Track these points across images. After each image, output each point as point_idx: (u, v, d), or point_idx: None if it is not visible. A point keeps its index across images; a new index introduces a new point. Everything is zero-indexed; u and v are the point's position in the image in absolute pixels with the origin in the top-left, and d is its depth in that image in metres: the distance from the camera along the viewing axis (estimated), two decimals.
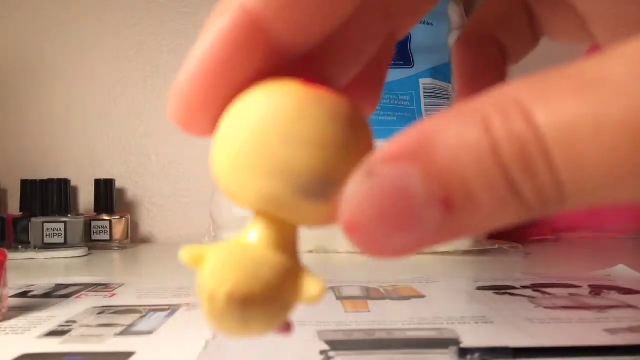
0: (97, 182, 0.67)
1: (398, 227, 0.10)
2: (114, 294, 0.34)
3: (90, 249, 0.61)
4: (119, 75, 0.74)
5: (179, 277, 0.39)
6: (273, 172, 0.11)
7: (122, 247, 0.65)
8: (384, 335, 0.24)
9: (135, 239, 0.72)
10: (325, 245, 0.56)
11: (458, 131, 0.10)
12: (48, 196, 0.62)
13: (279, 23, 0.12)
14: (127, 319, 0.27)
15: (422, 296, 0.32)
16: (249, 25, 0.12)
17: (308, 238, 0.55)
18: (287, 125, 0.11)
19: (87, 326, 0.26)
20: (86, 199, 0.72)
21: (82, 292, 0.34)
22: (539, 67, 0.10)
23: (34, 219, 0.61)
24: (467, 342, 0.22)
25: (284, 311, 0.12)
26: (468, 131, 0.10)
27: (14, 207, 0.69)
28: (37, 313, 0.29)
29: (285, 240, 0.13)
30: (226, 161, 0.12)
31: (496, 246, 0.55)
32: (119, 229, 0.66)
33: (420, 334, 0.24)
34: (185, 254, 0.12)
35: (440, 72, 0.62)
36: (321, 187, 0.11)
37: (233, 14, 0.12)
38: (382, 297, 0.32)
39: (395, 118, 0.58)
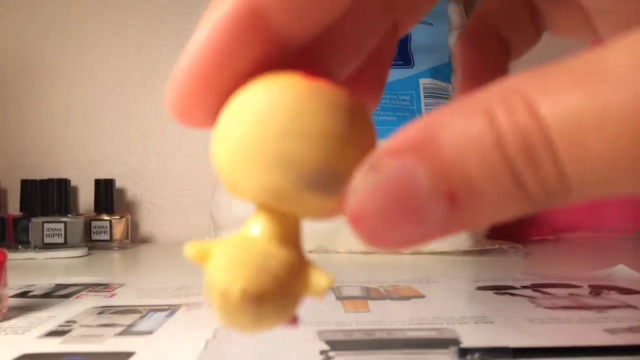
0: (97, 182, 0.67)
1: (402, 220, 0.10)
2: (114, 294, 0.34)
3: (90, 249, 0.61)
4: (119, 75, 0.75)
5: (179, 277, 0.39)
6: (274, 165, 0.11)
7: (122, 247, 0.65)
8: (384, 335, 0.24)
9: (135, 239, 0.72)
10: (325, 245, 0.56)
11: (462, 124, 0.10)
12: (48, 196, 0.62)
13: (278, 12, 0.12)
14: (127, 319, 0.27)
15: (422, 296, 0.32)
16: (248, 14, 0.12)
17: (308, 238, 0.54)
18: (288, 118, 0.11)
19: (87, 326, 0.26)
20: (86, 199, 0.72)
21: (82, 292, 0.34)
22: (541, 63, 0.10)
23: (34, 219, 0.61)
24: (467, 342, 0.22)
25: (293, 305, 0.12)
26: (472, 124, 0.10)
27: (14, 207, 0.69)
28: (37, 313, 0.29)
29: (289, 234, 0.13)
30: (227, 155, 0.12)
31: (496, 246, 0.55)
32: (119, 229, 0.66)
33: (420, 334, 0.24)
34: (189, 249, 0.12)
35: (440, 72, 0.62)
36: (322, 179, 0.11)
37: (232, 3, 0.12)
38: (382, 297, 0.32)
39: (395, 118, 0.58)
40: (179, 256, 0.13)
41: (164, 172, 0.74)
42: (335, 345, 0.22)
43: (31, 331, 0.25)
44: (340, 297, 0.31)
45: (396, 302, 0.30)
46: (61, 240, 0.60)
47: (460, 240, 0.54)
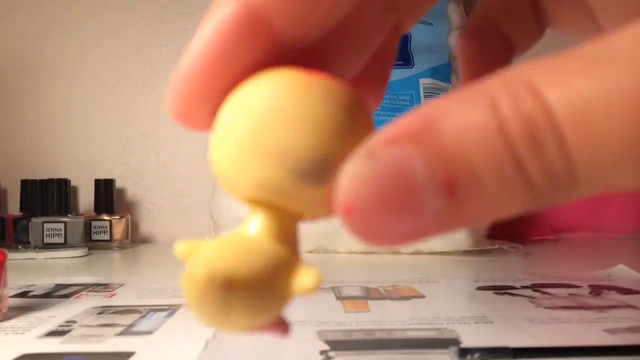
0: (97, 182, 0.67)
1: (398, 213, 0.10)
2: (114, 294, 0.34)
3: (90, 249, 0.61)
4: (119, 75, 0.74)
5: (179, 277, 0.39)
6: (267, 157, 0.11)
7: (122, 247, 0.65)
8: (384, 335, 0.24)
9: (135, 239, 0.72)
10: (325, 245, 0.56)
11: (463, 112, 0.10)
12: (48, 196, 0.62)
13: (280, 14, 0.12)
14: (127, 319, 0.27)
15: (422, 296, 0.32)
16: (250, 15, 0.12)
17: (308, 238, 0.55)
18: (281, 109, 0.11)
19: (87, 326, 0.26)
20: (86, 199, 0.72)
21: (82, 292, 0.34)
22: None
23: (34, 219, 0.61)
24: (467, 342, 0.22)
25: (273, 303, 0.11)
26: (474, 112, 0.09)
27: (14, 207, 0.69)
28: (37, 313, 0.29)
29: (283, 231, 0.12)
30: (222, 152, 0.12)
31: (496, 246, 0.55)
32: (119, 229, 0.66)
33: (420, 334, 0.24)
34: (179, 247, 0.12)
35: (440, 72, 0.62)
36: (316, 168, 0.11)
37: (233, 4, 0.12)
38: (382, 297, 0.32)
39: (395, 118, 0.58)
40: (174, 250, 0.12)
41: (164, 172, 0.74)
42: (335, 345, 0.22)
43: (31, 331, 0.25)
44: (340, 297, 0.31)
45: (396, 302, 0.30)
46: (61, 240, 0.60)
47: (460, 240, 0.54)
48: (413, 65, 0.61)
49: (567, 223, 0.67)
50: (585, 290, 0.33)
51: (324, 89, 0.11)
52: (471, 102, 0.10)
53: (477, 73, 0.19)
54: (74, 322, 0.27)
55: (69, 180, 0.64)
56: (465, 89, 0.10)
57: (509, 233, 0.61)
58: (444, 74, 0.62)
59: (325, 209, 0.12)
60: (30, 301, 0.32)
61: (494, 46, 0.20)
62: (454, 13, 0.63)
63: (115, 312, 0.29)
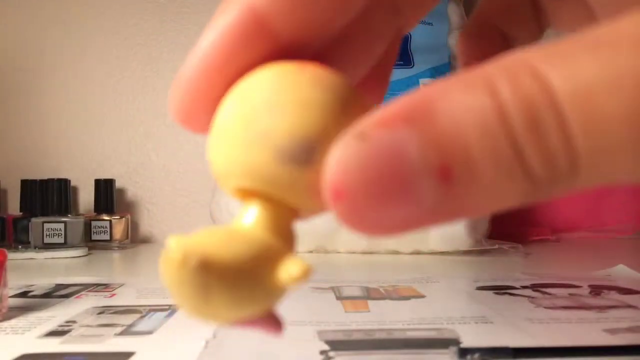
0: (97, 182, 0.67)
1: (389, 198, 0.09)
2: (114, 294, 0.34)
3: (90, 249, 0.61)
4: (119, 76, 0.75)
5: None
6: (252, 141, 0.11)
7: (122, 247, 0.65)
8: (384, 335, 0.24)
9: (135, 239, 0.72)
10: (325, 245, 0.56)
11: (461, 95, 0.09)
12: (48, 196, 0.62)
13: (284, 20, 0.12)
14: (127, 319, 0.27)
15: (422, 296, 0.32)
16: (254, 21, 0.12)
17: (308, 238, 0.55)
18: (268, 95, 0.11)
19: (87, 326, 0.26)
20: (86, 199, 0.72)
21: (82, 292, 0.34)
22: None
23: (34, 219, 0.61)
24: (467, 342, 0.22)
25: (256, 292, 0.11)
26: (472, 94, 0.09)
27: (14, 207, 0.69)
28: (37, 313, 0.29)
29: (275, 224, 0.12)
30: (214, 144, 0.12)
31: (496, 246, 0.55)
32: (119, 229, 0.66)
33: (420, 334, 0.24)
34: (171, 241, 0.12)
35: (440, 72, 0.62)
36: (298, 148, 0.11)
37: (237, 10, 0.12)
38: (382, 297, 0.32)
39: None
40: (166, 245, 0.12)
41: (164, 172, 0.74)
42: (335, 345, 0.22)
43: (31, 331, 0.25)
44: (340, 297, 0.31)
45: (396, 302, 0.30)
46: (61, 240, 0.60)
47: (460, 240, 0.54)
48: (413, 65, 0.61)
49: (567, 223, 0.68)
50: (585, 290, 0.33)
51: (312, 75, 0.11)
52: (470, 85, 0.09)
53: None
54: (74, 322, 0.27)
55: (69, 180, 0.64)
56: (464, 72, 0.10)
57: (509, 233, 0.61)
58: (444, 73, 0.62)
59: (317, 200, 0.11)
60: (30, 301, 0.32)
61: (494, 46, 0.19)
62: (454, 13, 0.63)
63: (115, 312, 0.29)
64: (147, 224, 0.74)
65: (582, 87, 0.09)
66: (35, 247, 0.59)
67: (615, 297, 0.31)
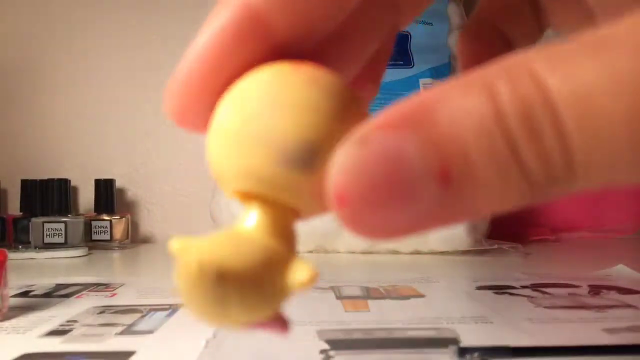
0: (97, 182, 0.67)
1: (391, 201, 0.09)
2: (114, 294, 0.34)
3: (90, 248, 0.61)
4: (120, 76, 0.75)
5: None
6: (253, 144, 0.11)
7: (122, 247, 0.65)
8: (383, 335, 0.24)
9: (135, 238, 0.72)
10: (325, 245, 0.56)
11: (460, 98, 0.09)
12: (48, 196, 0.62)
13: (280, 18, 0.12)
14: (127, 319, 0.27)
15: (422, 296, 0.32)
16: (249, 19, 0.12)
17: (308, 238, 0.55)
18: (265, 96, 0.11)
19: (88, 326, 0.26)
20: (86, 199, 0.72)
21: (83, 292, 0.35)
22: None
23: (34, 219, 0.61)
24: (467, 341, 0.22)
25: (269, 297, 0.11)
26: (471, 97, 0.09)
27: (14, 207, 0.69)
28: (38, 313, 0.29)
29: (278, 227, 0.12)
30: (213, 146, 0.12)
31: (496, 246, 0.55)
32: (119, 228, 0.66)
33: (420, 333, 0.24)
34: (174, 244, 0.12)
35: (440, 72, 0.62)
36: (299, 152, 0.11)
37: (233, 9, 0.12)
38: (382, 297, 0.32)
39: None
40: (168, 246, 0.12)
41: (164, 172, 0.74)
42: (335, 344, 0.22)
43: (32, 331, 0.25)
44: (340, 297, 0.31)
45: (396, 302, 0.30)
46: (61, 240, 0.60)
47: (460, 240, 0.54)
48: (413, 65, 0.61)
49: (566, 223, 0.68)
50: (585, 290, 0.33)
51: (309, 75, 0.11)
52: (468, 88, 0.09)
53: None
54: (75, 321, 0.27)
55: (69, 181, 0.65)
56: (463, 76, 0.10)
57: (509, 233, 0.61)
58: (443, 74, 0.62)
59: (317, 202, 0.11)
60: (31, 301, 0.32)
61: (494, 46, 0.20)
62: (454, 13, 0.64)
63: (116, 312, 0.29)
64: (147, 224, 0.74)
65: (579, 91, 0.09)
66: (35, 247, 0.59)
67: (614, 296, 0.31)
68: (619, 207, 0.67)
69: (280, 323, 0.12)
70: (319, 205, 0.11)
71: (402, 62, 0.61)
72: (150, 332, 0.25)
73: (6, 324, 0.26)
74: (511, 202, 0.10)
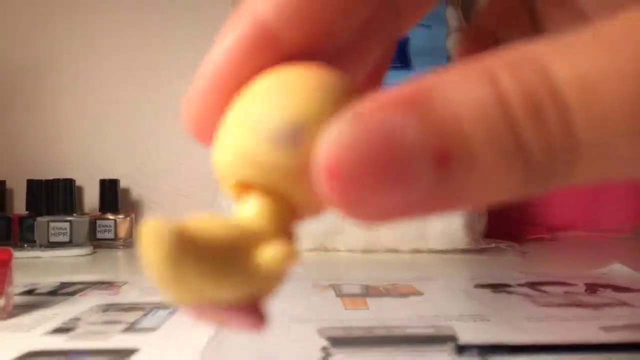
0: (102, 182, 0.68)
1: (385, 181, 0.09)
2: (118, 292, 0.34)
3: (95, 247, 0.61)
4: (123, 76, 0.75)
5: None
6: (244, 128, 0.11)
7: (126, 245, 0.66)
8: (383, 332, 0.24)
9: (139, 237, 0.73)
10: (325, 243, 0.56)
11: (461, 82, 0.09)
12: (54, 196, 0.62)
13: (290, 34, 0.12)
14: (131, 316, 0.27)
15: (421, 294, 0.32)
16: (262, 35, 0.12)
17: (309, 237, 0.55)
18: (261, 87, 0.12)
19: (92, 323, 0.26)
20: (91, 198, 0.72)
21: (87, 290, 0.35)
22: None
23: (39, 218, 0.61)
24: (465, 339, 0.23)
25: (233, 274, 0.11)
26: (472, 82, 0.09)
27: (20, 207, 0.69)
28: (43, 311, 0.29)
29: (270, 215, 0.12)
30: (217, 142, 0.12)
31: (493, 245, 0.55)
32: (123, 227, 0.66)
33: (419, 331, 0.24)
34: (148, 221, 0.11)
35: None
36: (284, 129, 0.11)
37: (246, 24, 0.12)
38: (382, 295, 0.32)
39: None
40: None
41: (167, 172, 0.75)
42: (335, 341, 0.22)
43: (36, 328, 0.25)
44: (340, 295, 0.32)
45: (395, 300, 0.31)
46: (66, 239, 0.60)
47: (458, 239, 0.54)
48: (411, 68, 0.62)
49: (563, 222, 0.68)
50: (581, 289, 0.33)
51: (305, 68, 0.12)
52: (470, 72, 0.09)
53: None
54: (79, 319, 0.27)
55: (74, 180, 0.65)
56: (464, 63, 0.09)
57: (507, 232, 0.62)
58: None
59: (310, 189, 0.11)
60: (36, 299, 0.32)
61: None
62: (452, 16, 0.64)
63: (120, 310, 0.29)
64: None
65: (583, 77, 0.09)
66: (40, 246, 0.60)
67: (610, 295, 0.31)
68: (615, 207, 0.67)
69: (255, 315, 0.11)
70: (311, 193, 0.11)
71: (400, 65, 0.62)
72: (153, 329, 0.25)
73: (11, 321, 0.27)
74: (511, 189, 0.09)
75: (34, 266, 0.50)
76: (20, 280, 0.37)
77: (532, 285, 0.34)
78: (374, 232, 0.54)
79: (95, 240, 0.64)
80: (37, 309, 0.29)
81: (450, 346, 0.21)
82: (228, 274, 0.11)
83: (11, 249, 0.28)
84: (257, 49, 0.12)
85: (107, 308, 0.30)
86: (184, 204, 0.74)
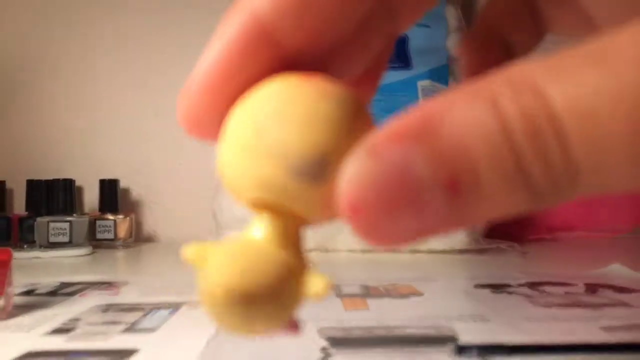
0: (102, 182, 0.68)
1: (402, 212, 0.10)
2: (118, 292, 0.34)
3: (94, 247, 0.61)
4: (123, 76, 0.75)
5: (181, 275, 0.40)
6: (266, 155, 0.11)
7: (126, 246, 0.66)
8: (383, 333, 0.24)
9: (139, 238, 0.73)
10: (325, 244, 0.56)
11: (465, 109, 0.09)
12: (53, 196, 0.62)
13: (287, 30, 0.12)
14: (130, 317, 0.27)
15: (421, 294, 0.32)
16: (258, 31, 0.12)
17: (308, 237, 0.55)
18: (278, 108, 0.12)
19: (92, 324, 0.26)
20: (91, 198, 0.72)
21: (87, 290, 0.35)
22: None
23: (39, 219, 0.61)
24: (465, 339, 0.23)
25: (287, 308, 0.12)
26: (475, 109, 0.09)
27: (19, 207, 0.69)
28: (42, 311, 0.29)
29: (288, 236, 0.12)
30: (226, 157, 0.12)
31: (494, 245, 0.55)
32: (123, 228, 0.66)
33: (419, 331, 0.24)
34: (188, 251, 0.12)
35: (438, 74, 0.62)
36: (314, 165, 0.11)
37: (242, 21, 0.12)
38: (382, 295, 0.32)
39: (392, 119, 0.59)
40: (181, 254, 0.13)
41: (167, 172, 0.75)
42: (335, 342, 0.22)
43: (36, 329, 0.25)
44: (340, 295, 0.32)
45: (395, 300, 0.31)
46: (66, 239, 0.60)
47: (458, 239, 0.54)
48: (411, 67, 0.62)
49: (563, 223, 0.68)
50: (581, 289, 0.33)
51: (320, 87, 0.12)
52: (473, 99, 0.10)
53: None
54: (79, 319, 0.27)
55: (74, 180, 0.65)
56: (467, 86, 0.10)
57: (507, 232, 0.62)
58: (441, 75, 0.62)
59: (327, 210, 0.12)
60: (36, 299, 0.32)
61: (495, 53, 0.20)
62: (451, 16, 0.64)
63: (119, 310, 0.29)
64: (150, 224, 0.74)
65: (581, 103, 0.09)
66: (40, 246, 0.60)
67: (610, 295, 0.31)
68: (615, 207, 0.67)
69: (294, 325, 0.13)
70: (327, 213, 0.12)
71: (400, 64, 0.62)
72: (152, 330, 0.25)
73: (11, 322, 0.27)
74: (516, 209, 0.10)
75: (33, 266, 0.50)
76: (20, 281, 0.37)
77: (532, 285, 0.34)
78: None
79: (95, 241, 0.65)
80: (37, 309, 0.29)
81: (450, 346, 0.21)
82: (285, 311, 0.12)
83: (11, 249, 0.28)
84: (253, 44, 0.12)
85: (107, 308, 0.30)
86: (184, 204, 0.74)
